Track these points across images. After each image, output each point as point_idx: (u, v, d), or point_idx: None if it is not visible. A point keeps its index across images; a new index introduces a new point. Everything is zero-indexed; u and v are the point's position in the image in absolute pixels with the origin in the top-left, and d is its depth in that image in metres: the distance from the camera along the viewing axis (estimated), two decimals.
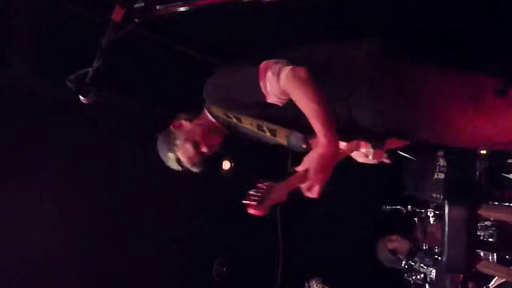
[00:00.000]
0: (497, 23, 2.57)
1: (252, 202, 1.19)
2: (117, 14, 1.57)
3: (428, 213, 3.24)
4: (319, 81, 1.66)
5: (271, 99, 1.70)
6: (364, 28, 2.66)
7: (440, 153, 3.53)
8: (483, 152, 3.41)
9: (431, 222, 3.25)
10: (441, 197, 3.27)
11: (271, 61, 1.68)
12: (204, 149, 2.01)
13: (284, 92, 1.65)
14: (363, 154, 2.07)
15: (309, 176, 1.40)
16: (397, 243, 3.59)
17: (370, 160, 2.06)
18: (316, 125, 1.48)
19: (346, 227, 3.82)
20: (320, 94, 1.55)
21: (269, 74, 1.65)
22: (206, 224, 3.51)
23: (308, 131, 1.64)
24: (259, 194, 1.21)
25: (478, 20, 2.57)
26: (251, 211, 1.22)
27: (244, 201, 1.22)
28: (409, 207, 3.32)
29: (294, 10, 2.66)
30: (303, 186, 1.44)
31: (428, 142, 1.93)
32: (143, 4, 1.61)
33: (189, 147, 1.99)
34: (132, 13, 1.61)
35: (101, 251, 2.88)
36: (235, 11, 2.32)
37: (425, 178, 3.54)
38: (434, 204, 3.27)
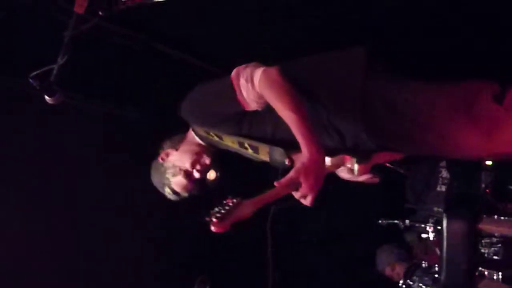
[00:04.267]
0: (487, 32, 2.60)
1: (214, 219, 1.23)
2: (80, 6, 1.60)
3: (428, 227, 3.21)
4: (305, 95, 1.71)
5: (250, 106, 1.75)
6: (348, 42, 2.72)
7: (443, 164, 3.50)
8: (489, 163, 3.39)
9: (431, 238, 3.21)
10: (443, 211, 3.23)
11: (241, 67, 1.73)
12: (197, 175, 2.07)
13: (261, 96, 1.69)
14: (348, 169, 2.11)
15: (302, 186, 1.47)
16: (392, 272, 3.60)
17: (355, 176, 2.09)
18: (297, 135, 1.54)
19: (343, 242, 3.81)
20: (296, 99, 1.60)
21: (242, 81, 1.70)
22: (188, 239, 3.50)
23: (289, 146, 1.70)
24: (222, 212, 1.25)
25: (466, 30, 2.60)
26: (212, 228, 1.26)
27: (206, 218, 1.27)
28: (407, 221, 3.29)
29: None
30: (297, 194, 1.50)
31: (423, 155, 1.96)
32: None
33: (181, 178, 2.06)
34: (96, 5, 1.63)
35: (80, 266, 2.89)
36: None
37: (427, 190, 3.51)
38: (435, 218, 3.23)
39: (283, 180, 1.47)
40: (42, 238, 2.79)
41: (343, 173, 2.16)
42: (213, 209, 1.29)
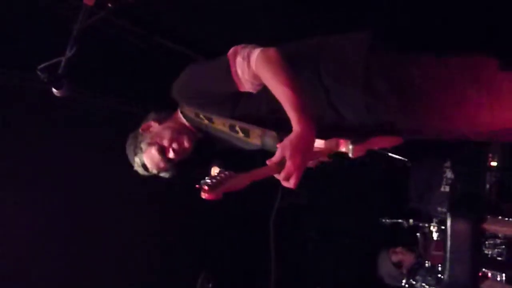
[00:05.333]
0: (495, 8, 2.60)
1: (205, 187, 1.22)
2: None
3: (432, 227, 3.24)
4: (303, 73, 1.70)
5: (245, 86, 1.72)
6: (352, 18, 2.75)
7: (447, 164, 3.53)
8: (494, 163, 3.42)
9: (435, 238, 3.25)
10: (447, 211, 3.25)
11: (239, 46, 1.71)
12: (171, 155, 1.99)
13: (256, 77, 1.66)
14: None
15: (286, 166, 1.39)
16: (402, 255, 3.60)
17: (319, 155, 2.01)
18: (290, 111, 1.49)
19: (345, 240, 3.84)
20: (292, 77, 1.56)
21: (239, 59, 1.67)
22: (191, 233, 3.53)
23: (283, 128, 1.64)
24: (214, 181, 1.24)
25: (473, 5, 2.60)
26: (202, 195, 1.24)
27: (196, 186, 1.24)
28: (410, 220, 3.32)
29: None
30: (280, 175, 1.42)
31: (425, 137, 1.93)
32: None
33: (154, 152, 1.99)
34: None
35: (82, 262, 2.93)
36: None
37: (431, 190, 3.54)
38: (439, 218, 3.26)
39: (273, 158, 1.42)
40: (47, 236, 2.80)
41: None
42: (204, 179, 1.27)
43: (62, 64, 1.97)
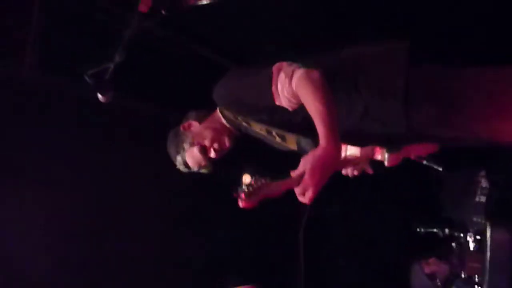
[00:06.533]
0: None
1: (241, 195, 1.26)
2: (144, 5, 1.68)
3: (468, 237, 3.22)
4: (341, 85, 1.73)
5: (282, 102, 1.75)
6: (383, 30, 2.78)
7: (482, 173, 3.50)
8: None
9: (471, 248, 3.22)
10: (483, 221, 3.24)
11: (284, 63, 1.75)
12: (212, 154, 2.12)
13: (295, 95, 1.69)
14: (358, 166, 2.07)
15: (303, 179, 1.40)
16: (436, 266, 3.56)
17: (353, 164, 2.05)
18: (319, 126, 1.51)
19: (376, 250, 3.82)
20: (328, 96, 1.58)
21: (282, 75, 1.71)
22: (220, 242, 3.55)
23: (317, 140, 1.64)
24: (250, 189, 1.28)
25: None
26: (239, 203, 1.28)
27: (234, 194, 1.29)
28: (446, 230, 3.30)
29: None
30: (296, 189, 1.42)
31: (462, 145, 1.91)
32: None
33: (196, 151, 2.10)
34: (160, 4, 1.72)
35: (106, 268, 2.97)
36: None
37: (465, 200, 3.50)
38: (475, 228, 3.24)
39: (297, 170, 1.43)
40: (70, 234, 2.85)
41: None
42: (240, 186, 1.31)
43: (110, 70, 2.04)
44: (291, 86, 1.68)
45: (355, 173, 2.09)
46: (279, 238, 3.78)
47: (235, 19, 2.83)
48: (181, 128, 2.16)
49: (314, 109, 1.55)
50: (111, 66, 2.04)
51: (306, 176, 1.39)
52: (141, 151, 3.08)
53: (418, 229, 3.44)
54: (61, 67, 2.52)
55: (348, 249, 3.90)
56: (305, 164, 1.41)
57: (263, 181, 1.33)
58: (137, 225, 3.14)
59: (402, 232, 3.74)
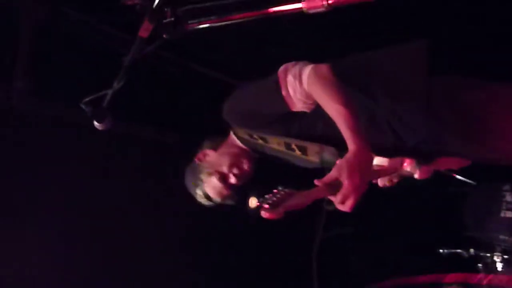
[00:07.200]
0: None
1: (265, 205, 1.19)
2: (145, 30, 1.56)
3: (495, 257, 3.09)
4: (359, 93, 1.65)
5: (297, 106, 1.68)
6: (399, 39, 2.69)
7: (506, 187, 3.37)
8: None
9: (499, 269, 3.09)
10: (510, 239, 3.11)
11: (289, 64, 1.68)
12: (233, 180, 1.99)
13: (309, 95, 1.62)
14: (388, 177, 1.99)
15: (343, 185, 1.34)
16: None
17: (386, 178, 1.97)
18: (345, 130, 1.44)
19: (395, 275, 3.68)
20: (346, 95, 1.51)
21: (290, 78, 1.64)
22: (226, 267, 3.46)
23: (341, 147, 1.58)
24: (274, 198, 1.22)
25: None
26: (263, 214, 1.21)
27: (257, 203, 1.22)
28: (471, 250, 3.17)
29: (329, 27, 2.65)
30: (336, 198, 1.36)
31: (490, 163, 1.86)
32: (173, 18, 1.59)
33: (215, 181, 1.98)
34: (161, 28, 1.59)
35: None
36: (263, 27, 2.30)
37: (489, 216, 3.37)
38: (502, 247, 3.11)
39: (325, 177, 1.36)
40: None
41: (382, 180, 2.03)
42: (263, 196, 1.25)
43: (108, 97, 1.93)
44: (303, 88, 1.62)
45: (387, 183, 1.99)
46: (289, 261, 3.67)
47: (238, 41, 2.71)
48: (197, 160, 2.07)
49: (335, 111, 1.49)
50: (109, 92, 1.92)
51: (346, 183, 1.33)
52: (141, 177, 2.99)
53: (440, 250, 3.30)
54: (56, 94, 2.41)
55: (366, 273, 3.76)
56: (339, 171, 1.35)
57: (286, 191, 1.27)
58: (139, 246, 3.06)
59: (423, 255, 3.59)
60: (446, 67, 1.74)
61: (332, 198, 1.38)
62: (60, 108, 2.46)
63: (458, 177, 2.44)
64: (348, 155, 1.39)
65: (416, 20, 2.71)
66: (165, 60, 2.91)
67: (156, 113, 2.98)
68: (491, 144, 1.68)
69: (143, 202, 3.02)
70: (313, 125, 1.77)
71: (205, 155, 2.06)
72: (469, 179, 2.76)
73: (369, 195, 2.07)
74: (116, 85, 1.85)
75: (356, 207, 1.36)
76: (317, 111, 1.69)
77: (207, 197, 2.02)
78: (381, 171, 1.90)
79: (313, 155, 1.82)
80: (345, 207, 1.36)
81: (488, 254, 3.13)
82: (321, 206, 1.47)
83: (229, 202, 2.06)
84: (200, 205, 2.05)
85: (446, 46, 2.57)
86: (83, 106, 1.89)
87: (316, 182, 1.36)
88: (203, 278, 3.37)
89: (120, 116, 2.45)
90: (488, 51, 2.74)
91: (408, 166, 1.89)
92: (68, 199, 2.70)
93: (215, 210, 2.85)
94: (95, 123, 1.96)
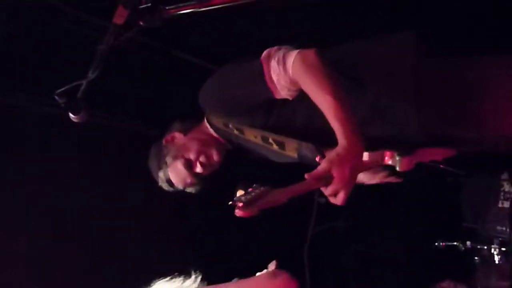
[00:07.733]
0: None
1: (238, 203, 1.16)
2: (120, 17, 1.46)
3: (492, 250, 3.04)
4: (346, 80, 1.60)
5: (280, 93, 1.62)
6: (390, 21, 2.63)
7: (504, 176, 3.31)
8: None
9: (496, 262, 3.04)
10: (508, 230, 3.05)
11: (273, 48, 1.61)
12: (199, 169, 1.93)
13: (294, 82, 1.56)
14: (371, 173, 2.02)
15: (334, 180, 1.33)
16: None
17: (373, 178, 2.03)
18: (334, 122, 1.39)
19: (390, 269, 3.65)
20: (336, 83, 1.46)
21: (273, 63, 1.57)
22: (217, 260, 3.40)
23: (322, 143, 1.57)
24: (248, 197, 1.19)
25: None
26: (236, 213, 1.18)
27: (230, 202, 1.18)
28: (468, 243, 3.13)
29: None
30: (327, 190, 1.35)
31: (483, 148, 1.85)
32: (149, 4, 1.49)
33: (180, 166, 1.93)
34: (137, 15, 1.49)
35: None
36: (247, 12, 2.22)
37: (487, 207, 3.32)
38: (500, 238, 3.06)
39: (314, 171, 1.33)
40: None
41: (365, 177, 2.08)
42: (237, 195, 1.22)
43: (83, 87, 1.85)
44: (287, 73, 1.55)
45: (373, 181, 2.04)
46: (280, 255, 3.62)
47: (221, 27, 2.63)
48: (164, 142, 2.00)
49: (323, 101, 1.44)
50: (84, 83, 1.83)
51: (336, 176, 1.32)
52: (122, 170, 2.89)
53: (436, 243, 3.26)
54: (27, 85, 2.29)
55: (358, 267, 3.73)
56: (329, 164, 1.33)
57: (262, 188, 1.24)
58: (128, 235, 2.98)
59: (418, 248, 3.55)
60: (434, 47, 1.72)
61: (323, 190, 1.37)
62: (34, 100, 2.33)
63: (445, 167, 2.39)
64: (339, 148, 1.36)
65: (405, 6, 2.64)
66: (145, 47, 2.79)
67: (137, 105, 2.91)
68: (488, 124, 1.64)
69: (128, 196, 2.95)
70: (293, 115, 1.72)
71: (173, 137, 1.99)
72: (462, 169, 2.70)
73: (363, 188, 2.03)
74: (91, 74, 1.78)
75: (348, 200, 1.35)
76: (298, 102, 1.66)
77: (169, 182, 1.97)
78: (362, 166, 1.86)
79: (291, 150, 1.77)
80: (337, 201, 1.36)
81: (486, 247, 3.08)
82: (313, 199, 1.42)
83: (191, 190, 2.01)
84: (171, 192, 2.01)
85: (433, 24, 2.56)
86: (56, 98, 1.80)
87: (306, 176, 1.33)
88: (193, 270, 3.31)
89: (99, 107, 2.41)
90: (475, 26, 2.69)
91: (389, 159, 1.88)
92: (48, 193, 2.62)
93: (204, 203, 2.81)
94: (71, 115, 1.89)
